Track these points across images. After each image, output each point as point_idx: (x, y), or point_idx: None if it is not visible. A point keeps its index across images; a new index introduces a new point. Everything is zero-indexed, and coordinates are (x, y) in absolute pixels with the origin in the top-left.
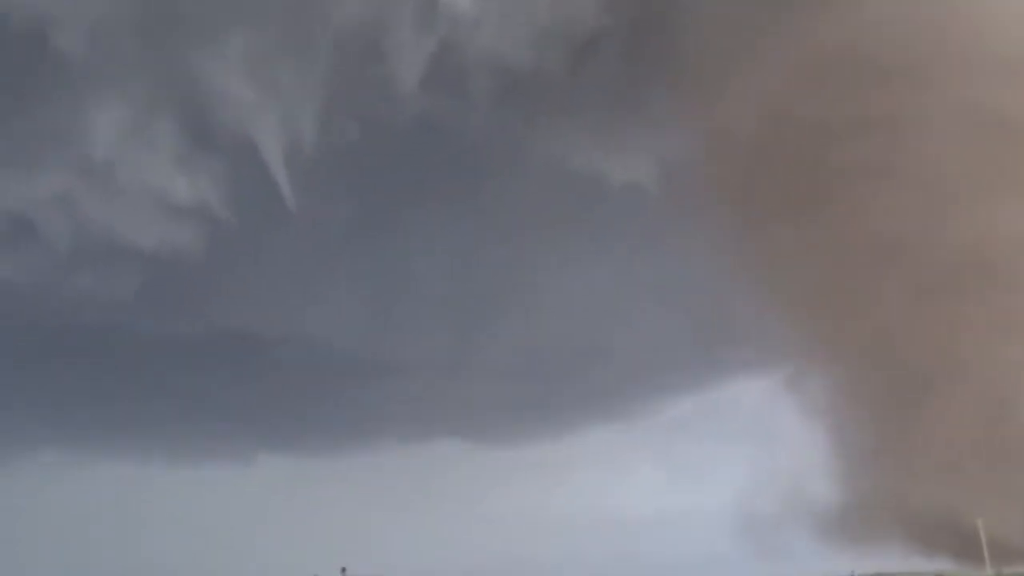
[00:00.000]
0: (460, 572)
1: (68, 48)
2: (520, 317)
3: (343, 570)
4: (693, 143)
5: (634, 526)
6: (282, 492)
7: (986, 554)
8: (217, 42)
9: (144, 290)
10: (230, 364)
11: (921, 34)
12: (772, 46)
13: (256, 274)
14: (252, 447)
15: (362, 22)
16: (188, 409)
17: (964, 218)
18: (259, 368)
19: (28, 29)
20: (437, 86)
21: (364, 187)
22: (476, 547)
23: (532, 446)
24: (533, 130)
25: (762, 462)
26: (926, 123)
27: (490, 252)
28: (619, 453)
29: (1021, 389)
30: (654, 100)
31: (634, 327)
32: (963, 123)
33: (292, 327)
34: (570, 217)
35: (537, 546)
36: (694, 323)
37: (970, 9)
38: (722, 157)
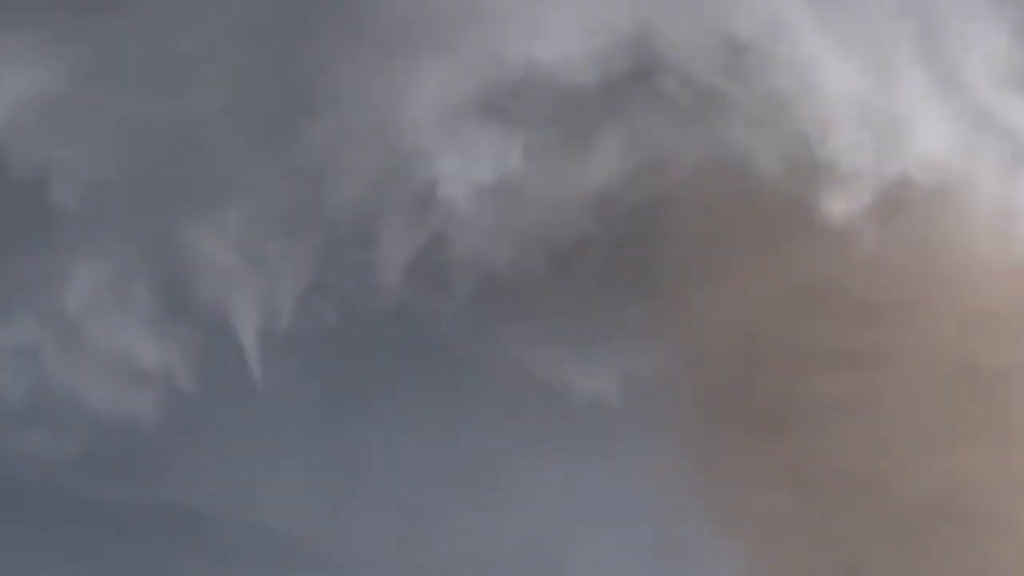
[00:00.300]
0: None
1: (64, 202)
2: (475, 521)
3: None
4: (662, 361)
5: None
6: None
7: None
8: (208, 211)
9: (93, 453)
10: (171, 539)
11: (906, 277)
12: (755, 271)
13: (211, 449)
14: None
15: (357, 207)
16: None
17: (936, 460)
18: (200, 546)
19: (30, 180)
20: (420, 279)
21: (334, 372)
22: None
23: None
24: (506, 334)
25: None
26: (903, 364)
27: (452, 451)
28: None
29: None
30: (627, 315)
31: (590, 543)
32: (940, 367)
33: (241, 507)
34: (535, 425)
35: None
36: (649, 545)
37: (959, 259)
38: (692, 377)
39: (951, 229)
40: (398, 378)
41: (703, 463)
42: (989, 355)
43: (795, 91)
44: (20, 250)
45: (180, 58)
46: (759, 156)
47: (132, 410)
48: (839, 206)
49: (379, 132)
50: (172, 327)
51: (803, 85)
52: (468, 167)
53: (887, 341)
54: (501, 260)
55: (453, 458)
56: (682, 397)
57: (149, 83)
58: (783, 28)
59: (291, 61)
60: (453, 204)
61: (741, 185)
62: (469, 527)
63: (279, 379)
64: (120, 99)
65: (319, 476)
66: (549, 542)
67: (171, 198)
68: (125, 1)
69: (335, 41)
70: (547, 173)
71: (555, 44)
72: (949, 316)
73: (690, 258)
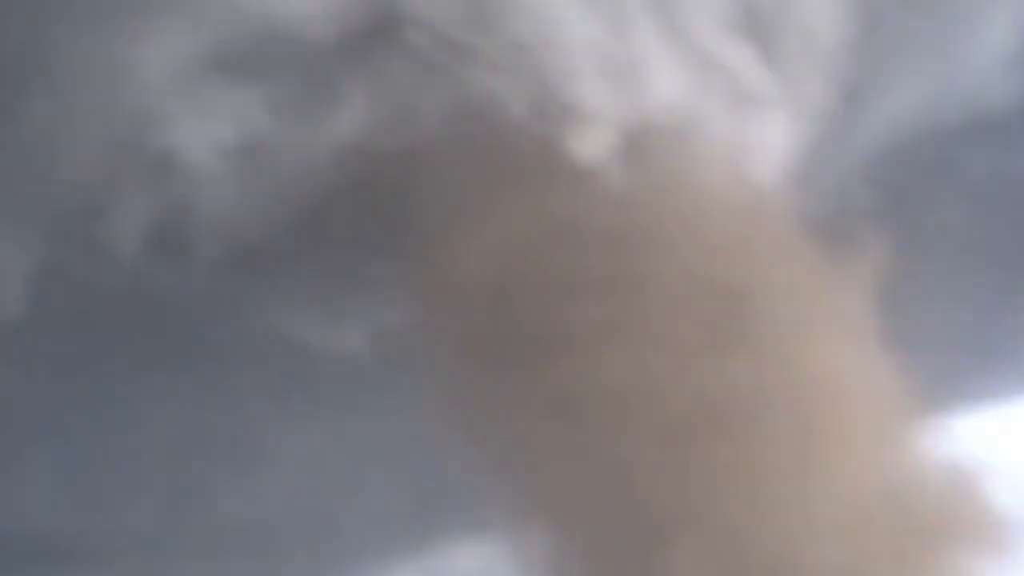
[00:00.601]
0: None
1: None
2: (238, 490)
3: None
4: (417, 309)
5: None
6: None
7: None
8: None
9: None
10: None
11: (651, 211)
12: (506, 213)
13: None
14: None
15: (88, 181)
16: None
17: (693, 374)
18: None
19: None
20: (160, 250)
21: (72, 361)
22: None
23: None
24: (255, 299)
25: None
26: (654, 289)
27: (209, 423)
28: None
29: (751, 530)
30: (380, 268)
31: (357, 495)
32: (686, 290)
33: None
34: (291, 388)
35: None
36: (415, 487)
37: (696, 193)
38: (449, 321)
39: (688, 166)
40: (143, 357)
41: (466, 403)
42: (728, 277)
43: (537, 39)
44: None
45: None
46: (505, 103)
47: None
48: (585, 148)
49: (106, 100)
50: None
51: (545, 34)
52: (208, 128)
53: (637, 268)
54: (247, 223)
55: (211, 432)
56: (439, 343)
57: None
58: None
59: None
60: (193, 168)
61: (488, 132)
62: (236, 496)
63: (9, 376)
64: None
65: (67, 470)
66: (322, 499)
67: None
68: None
69: (45, 8)
70: (291, 130)
71: None
72: (691, 244)
73: (441, 205)
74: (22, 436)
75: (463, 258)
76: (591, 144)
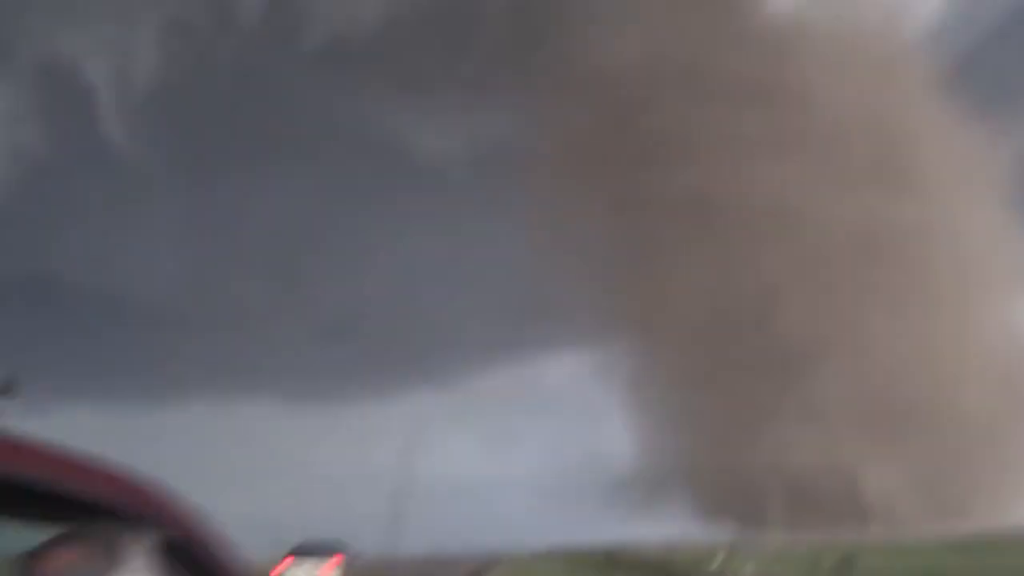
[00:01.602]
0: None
1: None
2: (341, 279)
3: None
4: (507, 117)
5: (445, 489)
6: (82, 447)
7: (773, 522)
8: None
9: None
10: (29, 309)
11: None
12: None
13: (66, 214)
14: (48, 400)
15: None
16: None
17: (857, 201)
18: (61, 316)
19: None
20: (274, 28)
21: (192, 134)
22: (288, 507)
23: (347, 408)
24: (359, 92)
25: (570, 434)
26: (816, 108)
27: (316, 213)
28: (433, 419)
29: (897, 365)
30: (484, 76)
31: (453, 298)
32: (858, 115)
33: (101, 274)
34: (395, 186)
35: (352, 506)
36: (512, 296)
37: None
38: (539, 133)
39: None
40: (260, 141)
41: (573, 207)
42: (900, 112)
43: None
44: None
45: None
46: None
47: None
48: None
49: None
50: (12, 90)
51: None
52: None
53: (798, 85)
54: (355, 18)
55: (318, 224)
56: (553, 139)
57: None
58: None
59: None
60: None
61: None
62: (339, 287)
63: (136, 140)
64: None
65: (181, 240)
66: (420, 299)
67: None
68: None
69: None
70: None
71: None
72: (848, 81)
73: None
74: (143, 202)
75: (599, 51)
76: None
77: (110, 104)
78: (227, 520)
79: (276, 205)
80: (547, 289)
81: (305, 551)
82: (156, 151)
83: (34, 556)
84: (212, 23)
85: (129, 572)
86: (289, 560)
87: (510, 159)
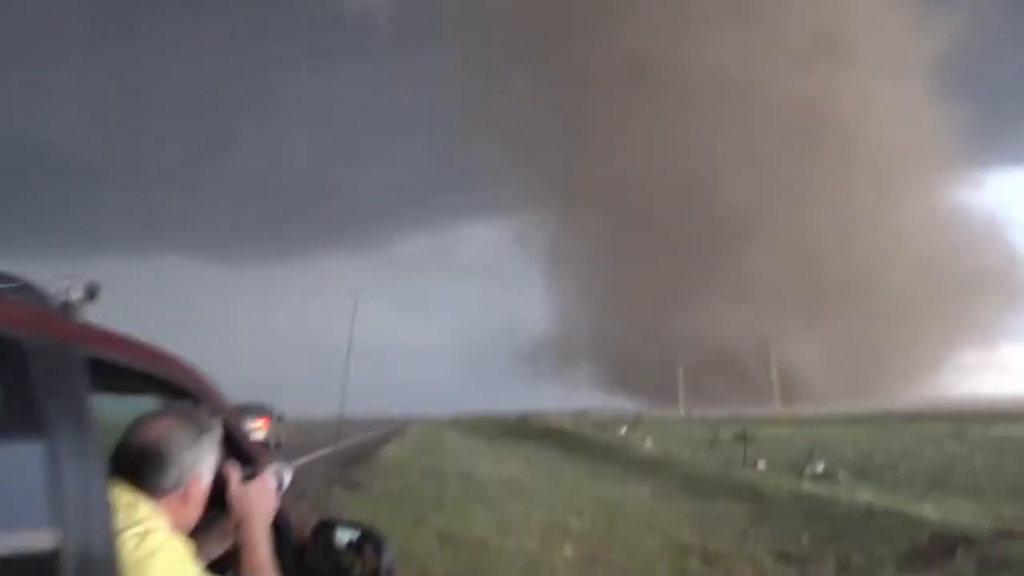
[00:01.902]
0: None
1: None
2: (259, 137)
3: None
4: None
5: (361, 352)
6: None
7: (680, 397)
8: None
9: None
10: None
11: None
12: None
13: None
14: None
15: None
16: None
17: (707, 39)
18: None
19: None
20: None
21: None
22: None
23: (262, 267)
24: None
25: (487, 303)
26: None
27: (234, 67)
28: (349, 282)
29: (827, 244)
30: None
31: (374, 159)
32: None
33: (13, 127)
34: (318, 38)
35: (272, 367)
36: (431, 160)
37: None
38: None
39: None
40: None
41: (480, 83)
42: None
43: None
44: None
45: None
46: None
47: None
48: None
49: None
50: None
51: None
52: None
53: None
54: None
55: (236, 75)
56: (454, 15)
57: None
58: None
59: None
60: None
61: None
62: (258, 143)
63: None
64: None
65: (98, 93)
66: (340, 157)
67: None
68: None
69: None
70: None
71: None
72: None
73: None
74: (56, 63)
75: None
76: None
77: None
78: None
79: (198, 58)
80: (470, 155)
81: None
82: (67, 3)
83: (140, 422)
84: None
85: (209, 439)
86: None
87: (441, 19)
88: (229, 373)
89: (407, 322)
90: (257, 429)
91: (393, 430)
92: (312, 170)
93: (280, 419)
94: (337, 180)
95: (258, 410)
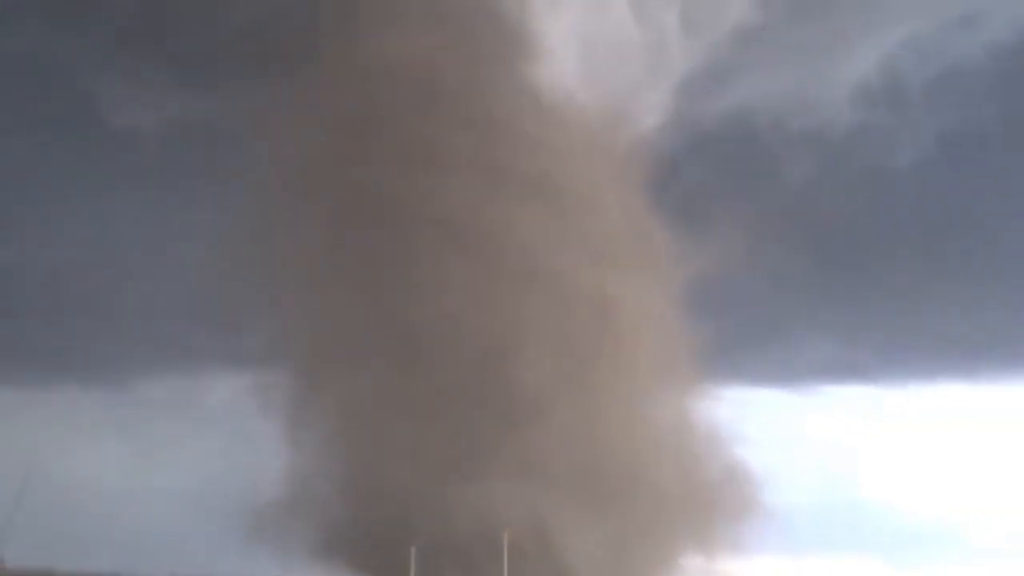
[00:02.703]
0: None
1: None
2: (7, 250)
3: None
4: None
5: (91, 496)
6: None
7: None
8: None
9: None
10: None
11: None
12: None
13: None
14: None
15: None
16: None
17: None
18: None
19: None
20: None
21: None
22: None
23: None
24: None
25: (227, 455)
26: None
27: None
28: (87, 418)
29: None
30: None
31: (133, 287)
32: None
33: None
34: (83, 157)
35: None
36: (189, 298)
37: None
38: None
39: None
40: None
41: (254, 219)
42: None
43: None
44: None
45: None
46: None
47: None
48: None
49: None
50: None
51: None
52: None
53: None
54: None
55: None
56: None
57: None
58: None
59: None
60: None
61: None
62: (5, 252)
63: None
64: None
65: None
66: (89, 272)
67: None
68: None
69: None
70: None
71: None
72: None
73: None
74: None
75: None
76: None
77: None
78: None
79: None
80: (229, 297)
81: None
82: None
83: None
84: None
85: None
86: None
87: (221, 145)
88: None
89: (139, 468)
90: None
91: None
92: (56, 291)
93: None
94: (86, 305)
95: None
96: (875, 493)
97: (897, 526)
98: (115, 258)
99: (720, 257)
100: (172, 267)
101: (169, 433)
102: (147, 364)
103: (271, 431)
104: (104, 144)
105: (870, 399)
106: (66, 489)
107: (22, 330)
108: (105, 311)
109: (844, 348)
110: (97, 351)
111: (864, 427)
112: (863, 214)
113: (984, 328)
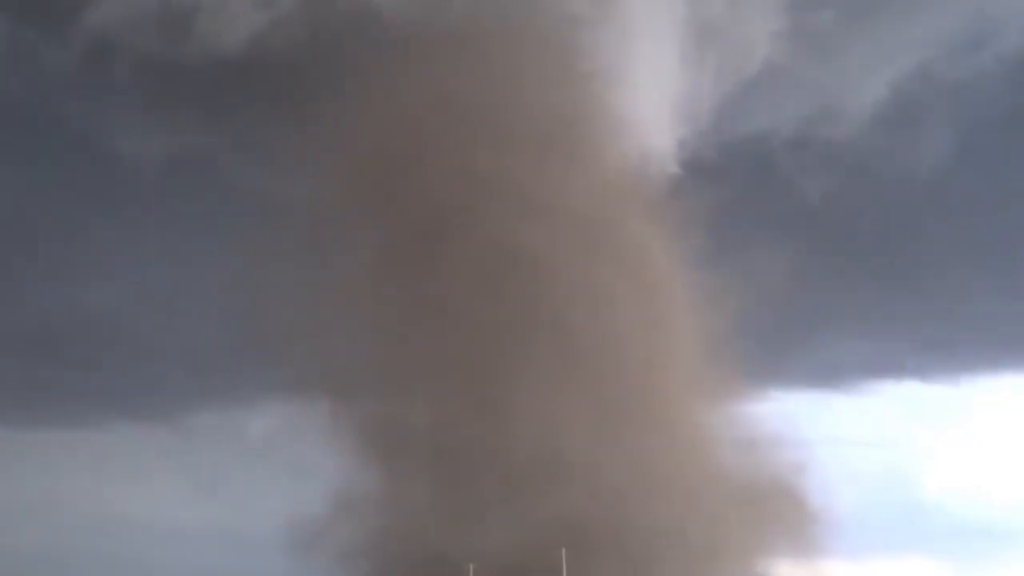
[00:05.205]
0: None
1: None
2: (45, 290)
3: None
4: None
5: (147, 532)
6: None
7: None
8: None
9: None
10: None
11: None
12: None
13: None
14: None
15: None
16: None
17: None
18: None
19: None
20: None
21: None
22: None
23: (42, 434)
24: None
25: (286, 487)
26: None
27: (28, 218)
28: (138, 454)
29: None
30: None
31: (172, 323)
32: None
33: None
34: (115, 194)
35: (44, 543)
36: (237, 332)
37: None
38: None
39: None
40: None
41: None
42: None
43: None
44: None
45: None
46: None
47: None
48: None
49: None
50: None
51: None
52: None
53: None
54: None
55: (29, 227)
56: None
57: None
58: None
59: None
60: None
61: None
62: (40, 296)
63: None
64: None
65: None
66: (129, 311)
67: None
68: None
69: None
70: None
71: None
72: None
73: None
74: None
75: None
76: None
77: None
78: None
79: None
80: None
81: None
82: None
83: None
84: None
85: None
86: None
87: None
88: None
89: (201, 503)
90: None
91: None
92: (100, 330)
93: None
94: (128, 343)
95: None
96: (933, 492)
97: (959, 525)
98: (156, 296)
99: (760, 277)
100: (214, 300)
101: (216, 463)
102: (199, 396)
103: (316, 459)
104: (136, 181)
105: (918, 396)
106: (128, 529)
107: (65, 371)
108: (146, 348)
109: (884, 344)
110: (144, 388)
111: (915, 425)
112: (895, 219)
113: None
